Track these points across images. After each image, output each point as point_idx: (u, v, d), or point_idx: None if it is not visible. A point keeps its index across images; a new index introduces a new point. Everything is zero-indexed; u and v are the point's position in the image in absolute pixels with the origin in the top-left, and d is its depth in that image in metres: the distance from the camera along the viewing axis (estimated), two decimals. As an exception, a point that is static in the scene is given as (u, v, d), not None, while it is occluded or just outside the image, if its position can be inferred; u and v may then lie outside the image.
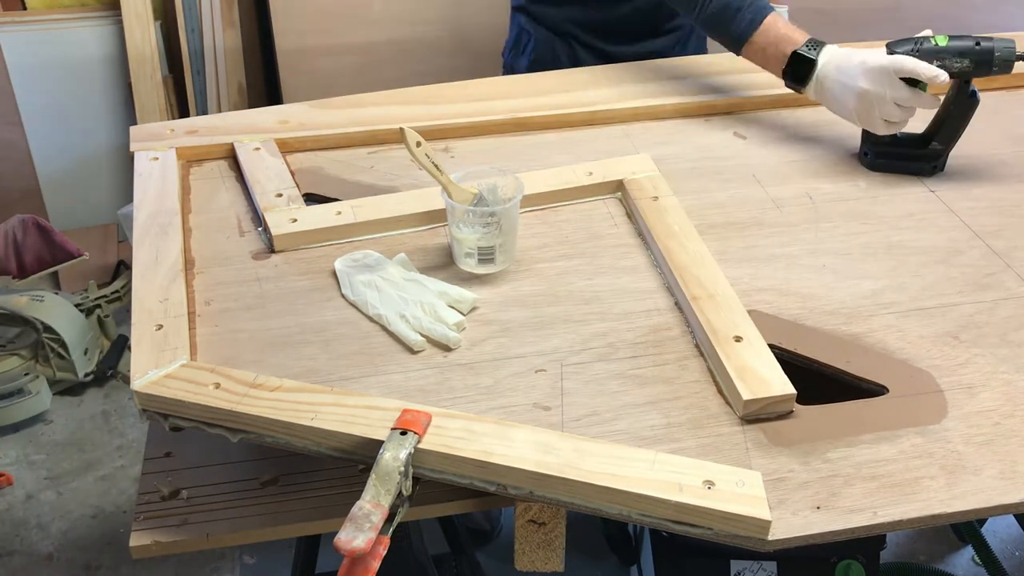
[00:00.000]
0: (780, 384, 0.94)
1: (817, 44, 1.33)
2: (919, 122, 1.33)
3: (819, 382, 1.00)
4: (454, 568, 1.66)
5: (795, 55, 1.33)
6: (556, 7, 1.70)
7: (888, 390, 0.97)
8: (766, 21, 1.37)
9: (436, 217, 1.21)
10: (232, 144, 1.36)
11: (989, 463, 0.89)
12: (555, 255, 1.16)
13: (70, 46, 2.62)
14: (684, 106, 1.48)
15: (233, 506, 0.96)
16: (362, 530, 0.75)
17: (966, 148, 1.39)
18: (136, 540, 0.93)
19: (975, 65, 1.24)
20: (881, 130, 1.29)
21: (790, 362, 1.00)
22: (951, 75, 1.25)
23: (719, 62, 1.60)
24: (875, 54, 1.27)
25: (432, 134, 1.41)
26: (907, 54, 1.25)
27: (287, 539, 1.02)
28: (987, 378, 0.99)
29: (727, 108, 1.49)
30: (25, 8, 2.61)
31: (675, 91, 1.50)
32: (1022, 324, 1.06)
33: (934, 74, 1.22)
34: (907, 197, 1.28)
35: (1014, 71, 1.28)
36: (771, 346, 0.99)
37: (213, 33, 2.65)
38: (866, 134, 1.34)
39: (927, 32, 1.27)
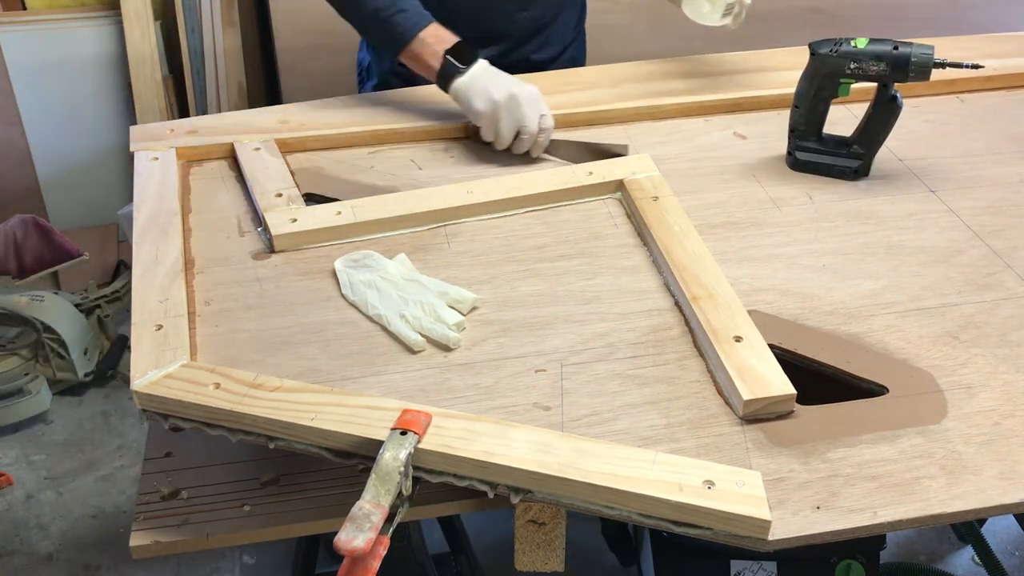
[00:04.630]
0: (780, 384, 0.94)
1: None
2: (847, 125, 1.33)
3: (819, 382, 1.00)
4: (454, 568, 1.66)
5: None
6: None
7: (888, 390, 0.97)
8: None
9: (436, 217, 1.21)
10: (232, 144, 1.36)
11: (989, 463, 0.89)
12: (555, 255, 1.16)
13: (70, 46, 2.62)
14: (684, 106, 1.48)
15: (233, 506, 0.96)
16: (362, 530, 0.75)
17: (966, 148, 1.39)
18: (136, 540, 0.93)
19: (892, 69, 1.24)
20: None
21: (790, 362, 1.00)
22: (870, 78, 1.25)
23: (719, 62, 1.60)
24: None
25: (432, 134, 1.42)
26: (826, 55, 1.26)
27: (287, 539, 1.02)
28: (987, 378, 0.99)
29: (727, 108, 1.49)
30: (25, 8, 2.60)
31: (675, 91, 1.50)
32: (1022, 324, 1.06)
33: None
34: (907, 197, 1.28)
35: (987, 74, 1.26)
36: (771, 346, 0.99)
37: (213, 33, 2.65)
38: (792, 135, 1.34)
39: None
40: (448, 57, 1.37)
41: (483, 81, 1.36)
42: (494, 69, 1.38)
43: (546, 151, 1.38)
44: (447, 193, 1.24)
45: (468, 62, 1.37)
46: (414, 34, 1.39)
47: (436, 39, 1.39)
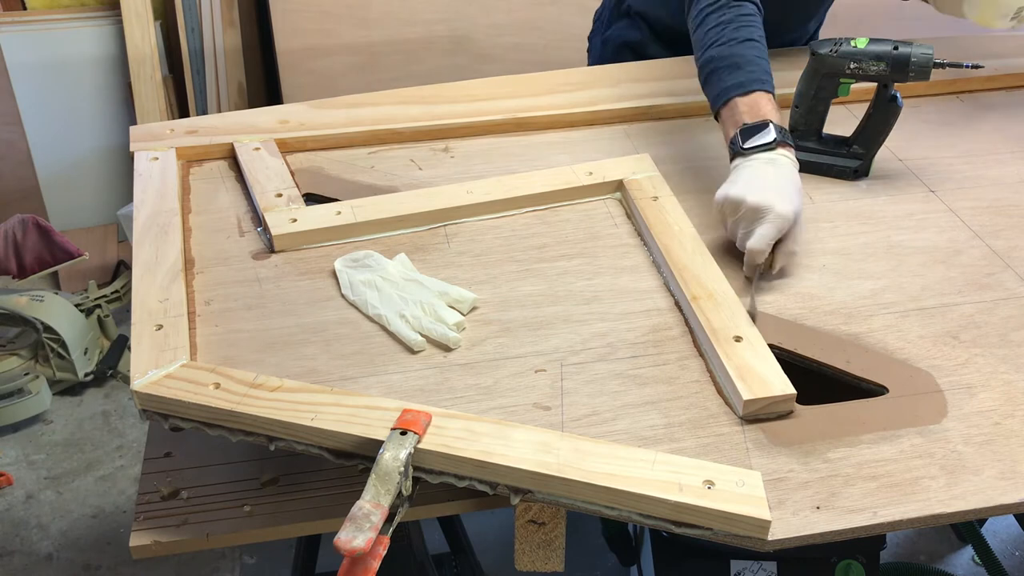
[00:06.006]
0: (780, 384, 0.94)
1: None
2: (847, 125, 1.33)
3: (819, 382, 1.00)
4: (454, 568, 1.66)
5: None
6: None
7: (888, 390, 0.97)
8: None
9: (436, 217, 1.21)
10: (232, 144, 1.36)
11: (989, 463, 0.89)
12: (555, 255, 1.16)
13: (70, 46, 2.63)
14: (684, 106, 1.48)
15: (233, 506, 0.96)
16: (362, 530, 0.75)
17: (966, 148, 1.39)
18: (136, 540, 0.93)
19: (892, 69, 1.24)
20: None
21: (790, 362, 1.00)
22: (870, 78, 1.25)
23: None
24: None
25: (432, 134, 1.42)
26: (826, 55, 1.26)
27: (287, 539, 1.02)
28: (987, 378, 0.99)
29: (727, 108, 1.49)
30: (25, 8, 2.61)
31: (675, 91, 1.50)
32: (1022, 324, 1.06)
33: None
34: (907, 197, 1.28)
35: (987, 74, 1.26)
36: (771, 346, 0.99)
37: (213, 33, 2.65)
38: (792, 135, 1.33)
39: None
40: (744, 129, 1.14)
41: (757, 173, 1.10)
42: (787, 170, 1.11)
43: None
44: (447, 193, 1.24)
45: (767, 145, 1.12)
46: (732, 96, 1.17)
47: (751, 108, 1.15)
